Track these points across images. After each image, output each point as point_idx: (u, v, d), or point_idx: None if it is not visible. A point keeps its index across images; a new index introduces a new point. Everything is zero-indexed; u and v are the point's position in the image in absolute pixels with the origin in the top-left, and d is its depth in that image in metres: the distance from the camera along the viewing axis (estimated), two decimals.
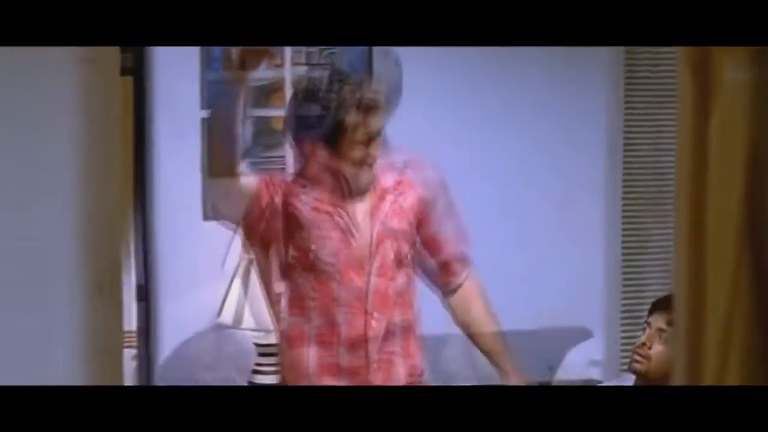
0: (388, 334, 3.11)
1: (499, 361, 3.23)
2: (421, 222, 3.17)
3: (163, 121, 4.07)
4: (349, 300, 3.07)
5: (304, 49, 4.07)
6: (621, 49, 4.46)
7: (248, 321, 3.84)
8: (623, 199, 4.55)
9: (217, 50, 4.07)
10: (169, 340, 4.08)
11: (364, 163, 3.08)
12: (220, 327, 3.95)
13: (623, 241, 4.55)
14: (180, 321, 4.05)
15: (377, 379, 3.10)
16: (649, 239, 4.54)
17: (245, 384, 3.99)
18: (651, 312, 3.40)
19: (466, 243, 3.26)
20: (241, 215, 3.19)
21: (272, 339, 3.50)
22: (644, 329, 3.37)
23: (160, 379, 4.05)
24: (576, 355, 4.25)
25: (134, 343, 4.07)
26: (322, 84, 3.09)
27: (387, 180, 3.14)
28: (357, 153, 3.07)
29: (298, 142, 3.20)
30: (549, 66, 4.29)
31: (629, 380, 3.42)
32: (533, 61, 4.26)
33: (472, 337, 3.26)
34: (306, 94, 3.16)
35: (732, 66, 1.37)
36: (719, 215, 1.34)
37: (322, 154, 3.10)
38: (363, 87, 3.05)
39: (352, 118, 3.02)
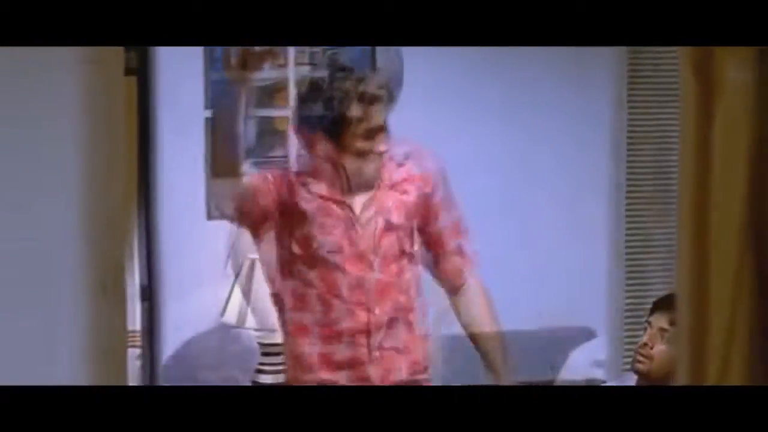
0: (388, 329, 3.11)
1: (494, 364, 3.23)
2: (422, 215, 3.18)
3: (166, 120, 4.08)
4: (351, 294, 3.08)
5: (307, 49, 4.07)
6: (624, 48, 4.46)
7: (252, 320, 3.84)
8: (626, 198, 4.55)
9: (220, 50, 4.08)
10: (172, 339, 4.09)
11: (368, 156, 3.09)
12: (223, 327, 3.95)
13: (626, 241, 4.55)
14: (184, 321, 4.06)
15: (377, 373, 3.11)
16: (653, 238, 4.54)
17: (248, 383, 4.00)
18: (652, 312, 3.40)
19: (465, 235, 3.26)
20: (245, 211, 3.21)
21: (276, 338, 3.51)
22: (645, 329, 3.37)
23: (164, 379, 4.06)
24: (579, 355, 4.25)
25: (138, 343, 4.08)
26: (324, 78, 3.11)
27: (390, 174, 3.14)
28: (360, 146, 3.08)
29: (301, 136, 3.21)
30: (552, 65, 4.30)
31: (632, 380, 3.42)
32: (537, 60, 4.26)
33: (471, 336, 3.26)
34: (309, 88, 3.17)
35: (735, 66, 1.37)
36: (722, 215, 1.34)
37: (325, 148, 3.10)
38: (365, 80, 3.06)
39: (354, 111, 3.03)
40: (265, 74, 4.08)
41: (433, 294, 3.27)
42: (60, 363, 1.81)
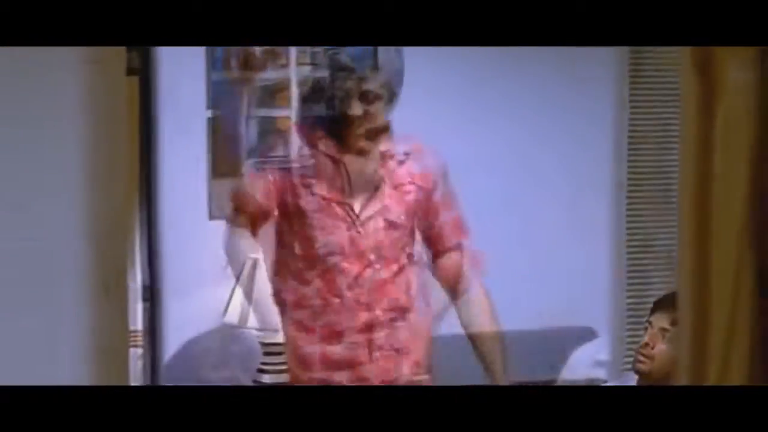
0: (388, 329, 3.11)
1: (492, 370, 3.23)
2: (422, 213, 3.18)
3: (168, 120, 4.08)
4: (351, 293, 3.08)
5: (308, 49, 4.07)
6: (626, 47, 4.47)
7: (254, 320, 3.85)
8: (628, 197, 4.55)
9: (221, 50, 4.08)
10: (174, 339, 4.09)
11: (369, 155, 3.10)
12: (225, 327, 3.95)
13: (628, 240, 4.55)
14: (185, 321, 4.06)
15: (376, 373, 3.11)
16: (655, 238, 4.54)
17: (250, 383, 4.00)
18: (653, 311, 3.39)
19: (466, 234, 3.26)
20: (243, 210, 3.21)
21: (278, 338, 3.51)
22: (646, 329, 3.37)
23: (166, 379, 4.06)
24: (580, 354, 4.25)
25: (140, 343, 4.08)
26: (325, 77, 3.11)
27: (390, 172, 3.14)
28: (361, 145, 3.08)
29: (303, 135, 3.21)
30: (554, 65, 4.30)
31: (633, 380, 3.42)
32: (539, 59, 4.26)
33: (470, 340, 3.26)
34: (311, 88, 3.18)
35: (736, 66, 1.37)
36: (723, 215, 1.34)
37: (326, 147, 3.11)
38: (366, 79, 3.05)
39: (355, 110, 3.03)
40: (267, 74, 4.08)
41: (434, 294, 3.27)
42: (62, 363, 1.81)
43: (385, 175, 3.13)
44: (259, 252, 3.33)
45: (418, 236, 3.21)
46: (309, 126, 3.22)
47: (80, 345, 1.81)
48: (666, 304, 3.29)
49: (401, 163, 3.15)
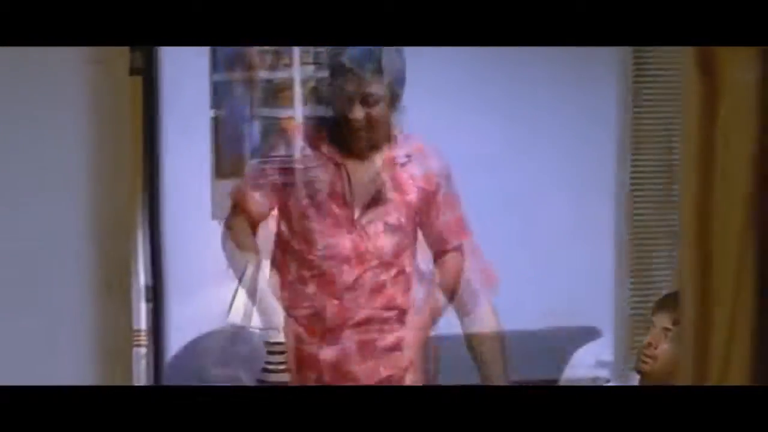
0: (387, 331, 3.12)
1: (490, 373, 3.25)
2: (423, 214, 3.18)
3: (171, 120, 4.08)
4: (350, 295, 3.09)
5: (311, 48, 4.07)
6: (629, 47, 4.46)
7: (257, 320, 3.84)
8: (632, 197, 4.55)
9: (226, 50, 4.08)
10: (178, 339, 4.09)
11: (370, 158, 3.10)
12: (229, 326, 3.95)
13: (631, 240, 4.55)
14: (189, 320, 4.06)
15: (370, 374, 3.12)
16: (658, 237, 4.54)
17: (254, 382, 4.00)
18: (655, 311, 3.39)
19: (468, 236, 3.26)
20: (243, 209, 3.22)
21: (281, 338, 3.51)
22: (648, 329, 3.36)
23: (169, 378, 4.06)
24: (583, 354, 4.25)
25: (143, 343, 4.08)
26: (326, 80, 3.11)
27: (391, 175, 3.14)
28: (362, 148, 3.09)
29: (305, 137, 3.21)
30: (558, 64, 4.29)
31: (635, 379, 3.41)
32: (543, 58, 4.26)
33: (470, 344, 3.27)
34: (312, 91, 3.19)
35: (738, 66, 1.37)
36: (725, 214, 1.34)
37: (328, 149, 3.11)
38: (367, 81, 3.05)
39: (357, 113, 3.03)
40: (270, 74, 4.08)
41: (433, 296, 3.27)
42: (64, 362, 1.82)
43: (387, 178, 3.13)
44: (259, 250, 3.34)
45: (420, 237, 3.21)
46: (311, 128, 3.23)
47: (83, 344, 1.81)
48: (668, 303, 3.29)
49: (403, 165, 3.15)
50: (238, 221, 3.24)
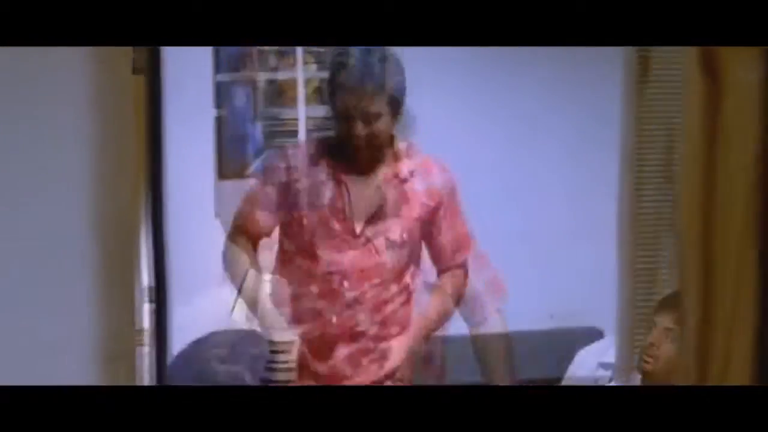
0: (386, 347, 3.12)
1: (494, 373, 3.25)
2: (426, 230, 3.16)
3: (174, 120, 4.08)
4: (351, 312, 3.09)
5: (315, 48, 4.07)
6: (633, 47, 4.46)
7: (260, 319, 3.84)
8: (635, 197, 4.54)
9: (229, 50, 4.09)
10: (180, 339, 4.09)
11: (371, 174, 3.09)
12: (232, 325, 3.95)
13: (635, 240, 4.55)
14: (192, 320, 4.06)
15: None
16: (662, 237, 4.53)
17: (257, 382, 4.00)
18: (657, 311, 3.38)
19: (471, 251, 3.25)
20: (245, 229, 3.22)
21: (284, 337, 3.51)
22: (651, 329, 3.36)
23: (172, 378, 4.06)
24: (586, 355, 4.25)
25: (146, 342, 4.08)
26: (327, 97, 3.11)
27: (393, 190, 3.12)
28: (363, 164, 3.08)
29: (307, 155, 3.19)
30: (562, 64, 4.29)
31: (637, 380, 3.41)
32: (546, 58, 4.25)
33: (477, 350, 3.28)
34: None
35: (741, 66, 1.37)
36: (727, 214, 1.34)
37: (329, 166, 3.10)
38: (367, 97, 3.02)
39: (357, 129, 3.01)
40: (274, 74, 4.08)
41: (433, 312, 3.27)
42: (67, 362, 1.82)
43: (389, 194, 3.11)
44: (260, 268, 3.33)
45: (423, 252, 3.21)
46: (312, 145, 3.23)
47: (86, 344, 1.82)
48: (670, 303, 3.29)
49: (406, 181, 3.13)
50: (241, 242, 3.24)
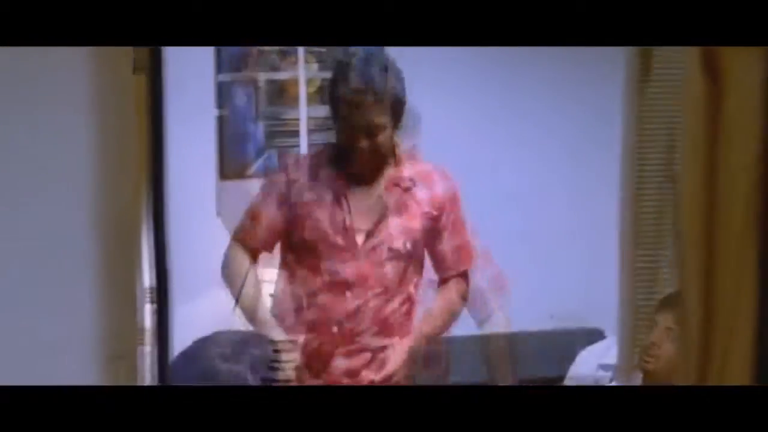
0: (390, 356, 3.12)
1: (497, 376, 3.26)
2: (428, 238, 3.16)
3: (176, 120, 4.08)
4: (353, 321, 3.09)
5: (316, 48, 4.07)
6: (634, 47, 4.46)
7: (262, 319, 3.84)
8: (637, 197, 4.54)
9: (230, 50, 4.08)
10: (182, 338, 4.08)
11: (372, 185, 3.08)
12: (234, 325, 3.95)
13: (636, 240, 4.54)
14: (194, 320, 4.06)
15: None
16: (663, 237, 4.53)
17: (259, 381, 3.99)
18: (658, 310, 3.38)
19: (474, 260, 3.24)
20: (248, 241, 3.20)
21: (287, 336, 3.51)
22: (652, 328, 3.35)
23: (174, 378, 4.06)
24: (587, 355, 4.25)
25: (147, 342, 4.08)
26: (328, 109, 3.10)
27: (395, 200, 3.11)
28: (365, 175, 3.07)
29: (308, 166, 3.18)
30: (563, 64, 4.29)
31: (638, 379, 3.41)
32: (548, 58, 4.25)
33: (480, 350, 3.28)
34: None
35: (743, 66, 1.37)
36: (727, 213, 1.34)
37: (330, 177, 3.09)
38: (367, 110, 3.00)
39: (358, 141, 3.00)
40: (275, 73, 4.08)
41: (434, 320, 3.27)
42: (69, 362, 1.82)
43: (391, 204, 3.10)
44: (259, 280, 3.32)
45: (426, 261, 3.20)
46: (314, 156, 3.22)
47: (88, 344, 1.82)
48: (671, 302, 3.28)
49: (408, 190, 3.12)
50: (242, 255, 3.23)
